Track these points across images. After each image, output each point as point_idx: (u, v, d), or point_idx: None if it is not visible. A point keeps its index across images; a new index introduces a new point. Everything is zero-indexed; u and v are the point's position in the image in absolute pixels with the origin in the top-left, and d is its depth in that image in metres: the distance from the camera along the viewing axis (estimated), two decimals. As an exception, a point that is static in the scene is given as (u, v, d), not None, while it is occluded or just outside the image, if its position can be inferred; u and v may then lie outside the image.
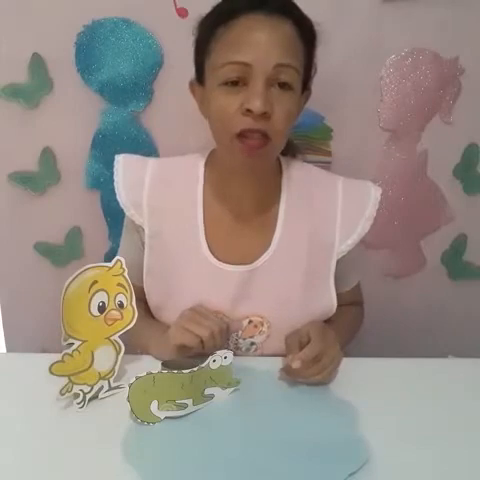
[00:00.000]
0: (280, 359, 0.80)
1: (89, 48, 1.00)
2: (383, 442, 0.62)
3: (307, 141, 1.07)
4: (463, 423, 0.67)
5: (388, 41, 1.02)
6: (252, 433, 0.64)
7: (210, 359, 0.68)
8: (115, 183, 0.85)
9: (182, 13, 0.97)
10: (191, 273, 0.83)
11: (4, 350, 1.19)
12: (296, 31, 0.72)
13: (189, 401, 0.67)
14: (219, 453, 0.61)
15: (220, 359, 0.69)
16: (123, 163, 0.86)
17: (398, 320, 1.22)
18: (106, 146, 1.06)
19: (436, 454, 0.61)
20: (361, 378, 0.76)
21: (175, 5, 0.97)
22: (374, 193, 0.85)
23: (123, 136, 1.06)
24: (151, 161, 0.87)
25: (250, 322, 0.83)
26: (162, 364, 0.76)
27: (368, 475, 0.58)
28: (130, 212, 0.84)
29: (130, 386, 0.64)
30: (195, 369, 0.67)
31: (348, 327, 0.95)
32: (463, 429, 0.66)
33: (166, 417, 0.66)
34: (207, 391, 0.69)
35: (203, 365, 0.68)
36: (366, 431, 0.64)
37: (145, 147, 1.06)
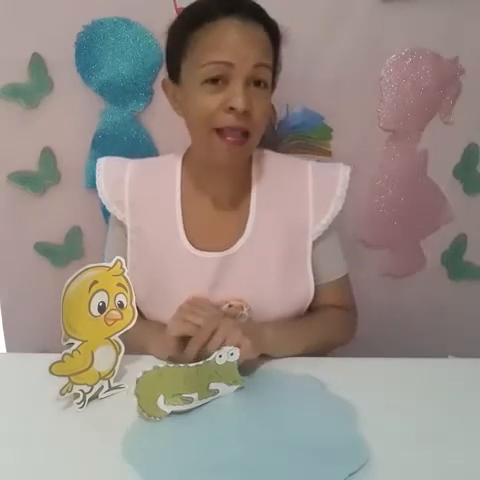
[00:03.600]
0: (281, 359, 0.80)
1: (89, 48, 1.00)
2: (383, 442, 0.62)
3: (307, 141, 1.07)
4: (463, 423, 0.67)
5: (388, 41, 1.02)
6: (252, 433, 0.64)
7: (216, 354, 0.68)
8: (97, 183, 0.89)
9: (182, 13, 0.96)
10: (171, 263, 0.86)
11: (4, 350, 1.20)
12: (267, 34, 0.78)
13: (194, 395, 0.67)
14: (219, 453, 0.61)
15: (226, 355, 0.69)
16: (104, 165, 0.91)
17: (398, 320, 1.22)
18: (106, 146, 1.06)
19: (436, 454, 0.61)
20: (361, 378, 0.76)
21: (175, 5, 0.97)
22: (343, 172, 0.87)
23: (123, 136, 1.06)
24: (131, 161, 0.92)
25: (230, 306, 0.85)
26: (169, 358, 0.76)
27: (368, 475, 0.58)
28: (112, 208, 0.89)
29: (138, 381, 0.64)
30: (201, 363, 0.67)
31: (313, 324, 0.87)
32: (463, 429, 0.66)
33: (172, 411, 0.65)
34: (212, 386, 0.69)
35: (209, 359, 0.68)
36: (366, 431, 0.64)
37: (145, 147, 1.06)
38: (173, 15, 0.96)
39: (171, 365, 0.67)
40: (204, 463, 0.59)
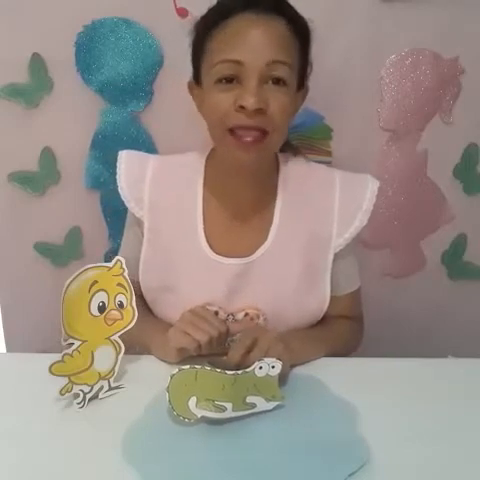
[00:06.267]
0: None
1: (89, 48, 1.00)
2: (383, 442, 0.62)
3: (307, 141, 1.07)
4: (463, 423, 0.67)
5: (388, 41, 1.02)
6: (252, 433, 0.64)
7: (256, 365, 0.65)
8: (117, 177, 0.87)
9: (182, 13, 0.97)
10: (189, 266, 0.84)
11: (4, 350, 1.20)
12: (290, 29, 0.74)
13: (229, 405, 0.64)
14: (219, 452, 0.61)
15: (267, 367, 0.66)
16: (125, 158, 0.89)
17: (398, 320, 1.22)
18: (106, 146, 1.06)
19: (436, 454, 0.61)
20: (361, 378, 0.76)
21: (175, 5, 0.97)
22: (371, 186, 0.85)
23: (123, 136, 1.06)
24: (152, 157, 0.91)
25: (246, 315, 0.84)
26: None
27: (368, 475, 0.58)
28: (131, 205, 0.87)
29: (172, 377, 0.62)
30: (239, 372, 0.65)
31: (328, 334, 0.87)
32: (463, 429, 0.66)
33: (202, 416, 0.63)
34: (249, 399, 0.66)
35: (248, 370, 0.65)
36: (366, 431, 0.64)
37: (145, 147, 1.06)
38: (174, 15, 0.97)
39: (208, 368, 0.65)
40: (204, 463, 0.59)
